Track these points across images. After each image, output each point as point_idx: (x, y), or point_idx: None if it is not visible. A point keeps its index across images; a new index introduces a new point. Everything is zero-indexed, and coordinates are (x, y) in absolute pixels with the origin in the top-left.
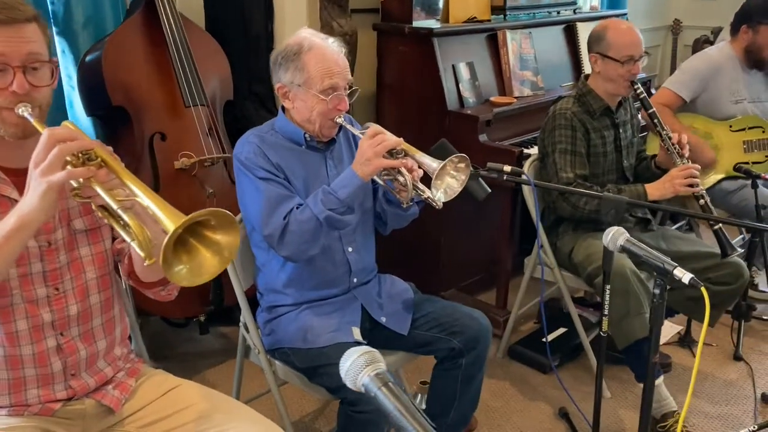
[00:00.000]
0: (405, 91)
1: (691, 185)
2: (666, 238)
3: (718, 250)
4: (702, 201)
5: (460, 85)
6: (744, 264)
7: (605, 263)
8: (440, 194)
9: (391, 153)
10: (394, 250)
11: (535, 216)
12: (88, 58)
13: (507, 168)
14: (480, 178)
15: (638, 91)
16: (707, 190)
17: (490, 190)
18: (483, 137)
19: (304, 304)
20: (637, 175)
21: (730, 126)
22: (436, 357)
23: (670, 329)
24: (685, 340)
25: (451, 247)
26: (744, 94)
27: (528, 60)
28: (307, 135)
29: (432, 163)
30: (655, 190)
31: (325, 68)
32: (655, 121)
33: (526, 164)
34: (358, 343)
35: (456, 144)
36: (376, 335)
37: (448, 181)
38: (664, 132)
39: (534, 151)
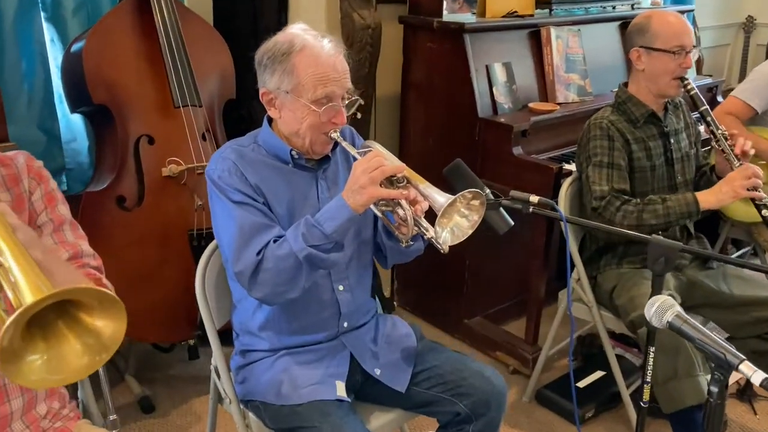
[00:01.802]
0: (432, 93)
1: (754, 188)
2: (728, 278)
3: None
4: (766, 212)
5: (494, 89)
6: None
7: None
8: (446, 234)
9: (392, 181)
10: (412, 271)
11: (568, 251)
12: (72, 49)
13: (534, 198)
14: (501, 208)
15: (688, 87)
16: None
17: (512, 223)
18: (517, 149)
19: (281, 351)
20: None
21: None
22: (438, 420)
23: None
24: (746, 393)
25: (477, 270)
26: None
27: (575, 61)
28: (294, 152)
29: (439, 198)
30: (709, 195)
31: (319, 73)
32: (708, 119)
33: (565, 183)
34: (341, 401)
35: (487, 156)
36: (368, 390)
37: (456, 220)
38: (719, 131)
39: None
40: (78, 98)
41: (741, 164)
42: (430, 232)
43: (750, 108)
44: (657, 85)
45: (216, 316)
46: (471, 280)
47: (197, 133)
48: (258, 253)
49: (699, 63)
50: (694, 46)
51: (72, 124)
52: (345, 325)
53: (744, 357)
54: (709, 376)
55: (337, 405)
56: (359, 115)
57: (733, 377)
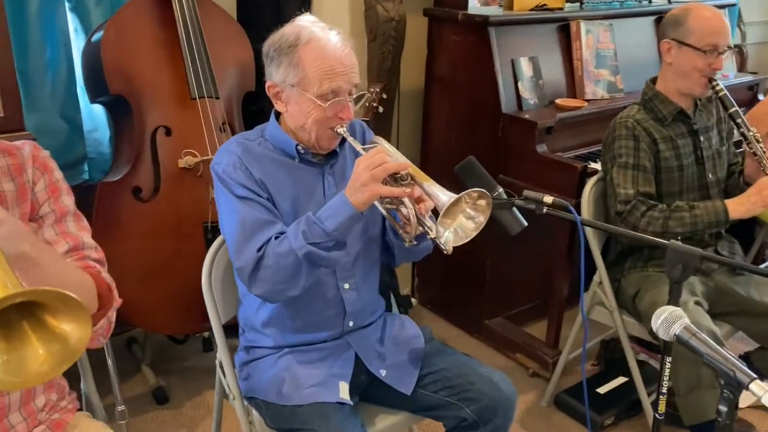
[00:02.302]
0: (456, 87)
1: None
2: (760, 285)
3: None
4: None
5: (519, 84)
6: None
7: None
8: (448, 235)
9: (396, 179)
10: (433, 269)
11: (582, 255)
12: (92, 39)
13: (548, 199)
14: (515, 208)
15: (717, 88)
16: None
17: (525, 224)
18: (542, 147)
19: (285, 349)
20: (727, 194)
21: None
22: (444, 425)
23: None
24: None
25: (498, 270)
26: None
27: (606, 56)
28: (300, 146)
29: (442, 196)
30: (738, 205)
31: (325, 67)
32: (738, 120)
33: (589, 183)
34: (342, 404)
35: (510, 153)
36: (374, 391)
37: (461, 220)
38: (751, 133)
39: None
40: (96, 88)
41: None
42: (433, 232)
43: None
44: (683, 81)
45: (222, 310)
46: (492, 280)
47: (214, 125)
48: (259, 250)
49: (743, 59)
50: (729, 47)
51: (94, 115)
52: (350, 324)
53: (755, 375)
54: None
55: (338, 408)
56: (381, 109)
57: (762, 388)
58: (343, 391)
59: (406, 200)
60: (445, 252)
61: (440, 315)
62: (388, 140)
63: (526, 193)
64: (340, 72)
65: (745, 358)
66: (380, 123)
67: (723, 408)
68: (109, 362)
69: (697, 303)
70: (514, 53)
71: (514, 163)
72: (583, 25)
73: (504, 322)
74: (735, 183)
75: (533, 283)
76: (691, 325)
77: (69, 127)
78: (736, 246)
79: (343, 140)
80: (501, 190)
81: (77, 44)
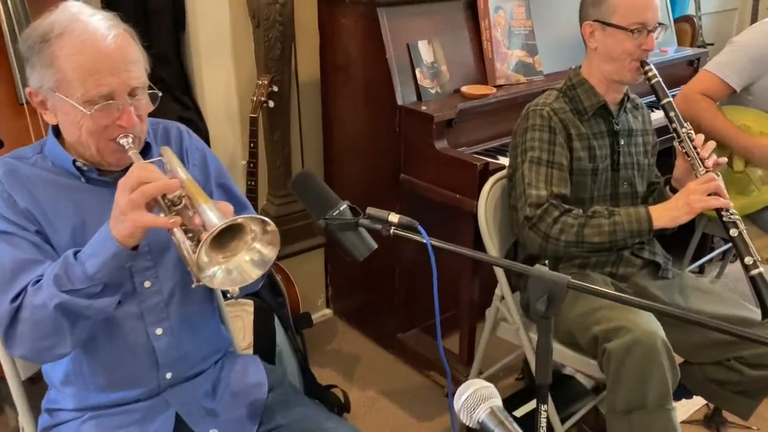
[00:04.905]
0: (351, 77)
1: (716, 201)
2: (685, 291)
3: (757, 311)
4: (735, 231)
5: (417, 71)
6: None
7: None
8: (218, 273)
9: (174, 202)
10: (346, 277)
11: (435, 287)
12: None
13: (393, 218)
14: (361, 228)
15: (649, 74)
16: (757, 213)
17: (375, 246)
18: (441, 143)
19: (88, 412)
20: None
21: None
22: None
23: (692, 404)
24: (714, 420)
25: (409, 279)
26: None
27: (521, 35)
28: (79, 163)
29: (211, 221)
30: (664, 211)
31: (86, 65)
32: (672, 114)
33: (488, 183)
34: None
35: (410, 149)
36: None
37: (238, 259)
38: (684, 130)
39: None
40: None
41: (706, 172)
42: (196, 270)
43: (727, 86)
44: (612, 67)
45: (23, 363)
46: (402, 289)
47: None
48: (14, 299)
49: (695, 30)
50: (660, 23)
51: None
52: (168, 376)
53: None
54: None
55: None
56: (271, 104)
57: (699, 402)
58: None
59: (176, 231)
60: (228, 295)
61: (355, 327)
62: (288, 138)
63: (370, 210)
64: (107, 70)
65: None
66: (275, 119)
67: None
68: None
69: None
70: (410, 37)
71: (415, 160)
72: (492, 2)
73: (419, 335)
74: (660, 192)
75: (444, 292)
76: (500, 409)
77: None
78: (656, 244)
79: (147, 149)
80: (345, 207)
81: None
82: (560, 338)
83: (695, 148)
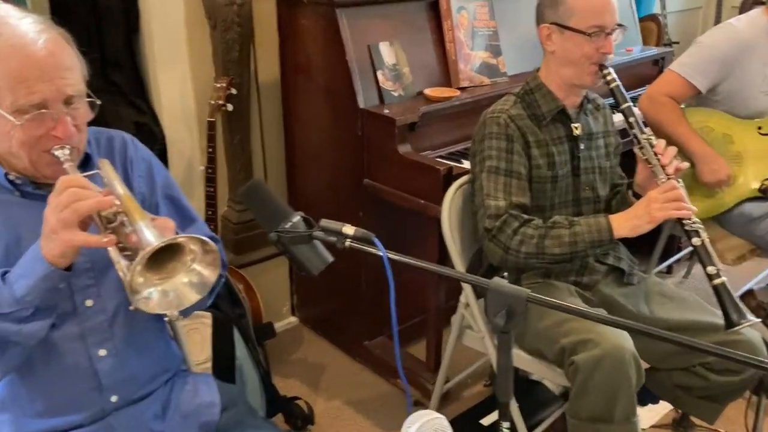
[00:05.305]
0: (311, 80)
1: (677, 210)
2: (650, 297)
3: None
4: (697, 240)
5: (379, 74)
6: (760, 339)
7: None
8: (153, 295)
9: (110, 219)
10: (311, 284)
11: (392, 295)
12: None
13: (348, 230)
14: (316, 241)
15: (608, 78)
16: (722, 215)
17: (331, 259)
18: (404, 147)
19: None
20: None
21: (759, 127)
22: None
23: (660, 408)
24: (681, 424)
25: (374, 285)
26: None
27: (485, 36)
28: (12, 176)
29: (147, 239)
30: (624, 220)
31: (14, 73)
32: (631, 120)
33: (451, 189)
34: None
35: (372, 154)
36: None
37: (176, 281)
38: (644, 136)
39: None
40: None
41: (668, 180)
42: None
43: (692, 87)
44: (570, 71)
45: None
46: (368, 295)
47: None
48: None
49: (660, 29)
50: (619, 25)
51: None
52: (113, 400)
53: None
54: None
55: None
56: (230, 107)
57: (666, 407)
58: None
59: (111, 251)
60: (166, 319)
61: (322, 335)
62: (249, 142)
63: (323, 222)
64: (38, 77)
65: None
66: (234, 123)
67: None
68: None
69: None
70: (371, 38)
71: (378, 165)
72: (454, 2)
73: (386, 342)
74: (623, 197)
75: (411, 298)
76: None
77: None
78: (621, 249)
79: (87, 160)
80: (298, 218)
81: None
82: (527, 348)
83: (656, 154)
